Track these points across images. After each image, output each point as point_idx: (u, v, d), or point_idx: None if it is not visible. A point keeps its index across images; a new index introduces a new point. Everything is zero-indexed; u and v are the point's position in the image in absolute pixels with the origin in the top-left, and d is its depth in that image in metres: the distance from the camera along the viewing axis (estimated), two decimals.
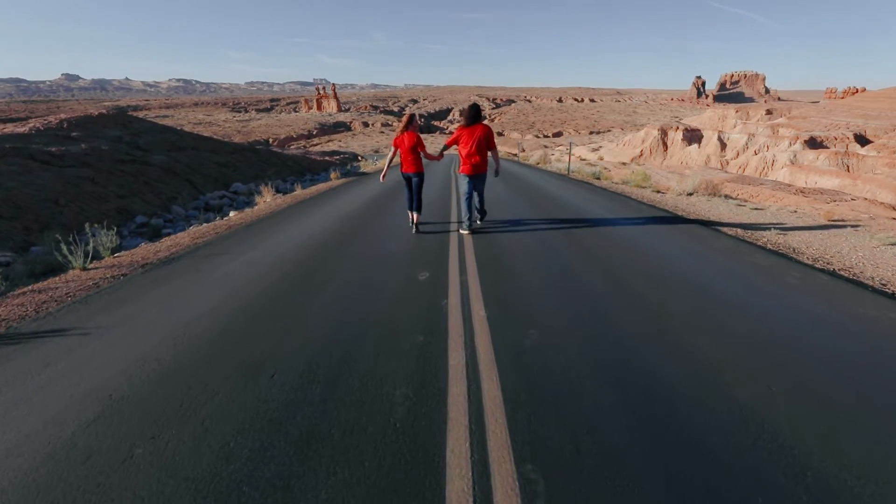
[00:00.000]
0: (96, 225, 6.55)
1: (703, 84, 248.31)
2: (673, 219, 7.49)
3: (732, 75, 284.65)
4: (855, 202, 15.15)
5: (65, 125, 16.75)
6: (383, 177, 6.98)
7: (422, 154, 6.57)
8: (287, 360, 2.81)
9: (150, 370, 2.77)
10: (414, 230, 6.54)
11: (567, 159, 25.26)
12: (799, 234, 6.45)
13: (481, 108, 6.37)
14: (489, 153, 6.27)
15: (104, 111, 21.32)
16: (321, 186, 14.14)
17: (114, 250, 6.37)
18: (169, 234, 8.90)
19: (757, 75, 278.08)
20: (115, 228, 6.84)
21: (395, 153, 6.55)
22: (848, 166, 42.67)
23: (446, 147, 6.66)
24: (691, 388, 2.44)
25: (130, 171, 14.25)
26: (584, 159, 45.19)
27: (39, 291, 4.50)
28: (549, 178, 15.63)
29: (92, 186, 11.74)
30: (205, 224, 8.72)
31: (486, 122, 6.28)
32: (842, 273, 4.60)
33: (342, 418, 2.23)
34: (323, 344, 3.01)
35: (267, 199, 11.32)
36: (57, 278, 5.07)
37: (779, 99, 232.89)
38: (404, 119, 6.54)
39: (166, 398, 2.46)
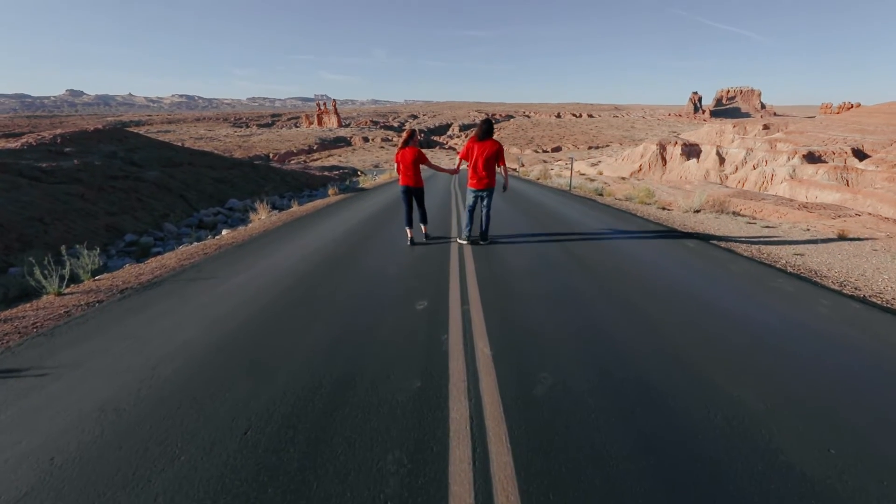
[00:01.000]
0: (77, 246, 6.21)
1: (700, 100, 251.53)
2: (685, 238, 7.18)
3: (728, 91, 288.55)
4: (862, 217, 14.89)
5: (58, 140, 16.52)
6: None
7: (434, 167, 6.81)
8: (264, 412, 2.44)
9: (106, 423, 2.40)
10: (416, 242, 6.56)
11: (567, 174, 25.10)
12: (817, 254, 6.14)
13: (493, 123, 6.26)
14: (499, 169, 6.23)
15: (100, 126, 21.17)
16: (318, 203, 13.85)
17: (97, 272, 6.03)
18: (158, 254, 8.56)
19: (753, 91, 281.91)
20: (98, 249, 6.50)
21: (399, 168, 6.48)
22: (847, 181, 42.61)
23: (461, 161, 6.66)
24: (735, 452, 2.07)
25: (122, 187, 13.96)
26: (583, 174, 45.18)
27: (5, 321, 4.14)
28: (551, 194, 15.37)
29: (81, 203, 11.43)
30: (195, 243, 8.39)
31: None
32: (874, 300, 4.26)
33: (322, 494, 1.85)
34: (306, 391, 2.63)
35: (262, 217, 11.02)
36: (28, 305, 4.72)
37: (774, 114, 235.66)
38: (405, 135, 6.43)
39: (118, 462, 2.09)
